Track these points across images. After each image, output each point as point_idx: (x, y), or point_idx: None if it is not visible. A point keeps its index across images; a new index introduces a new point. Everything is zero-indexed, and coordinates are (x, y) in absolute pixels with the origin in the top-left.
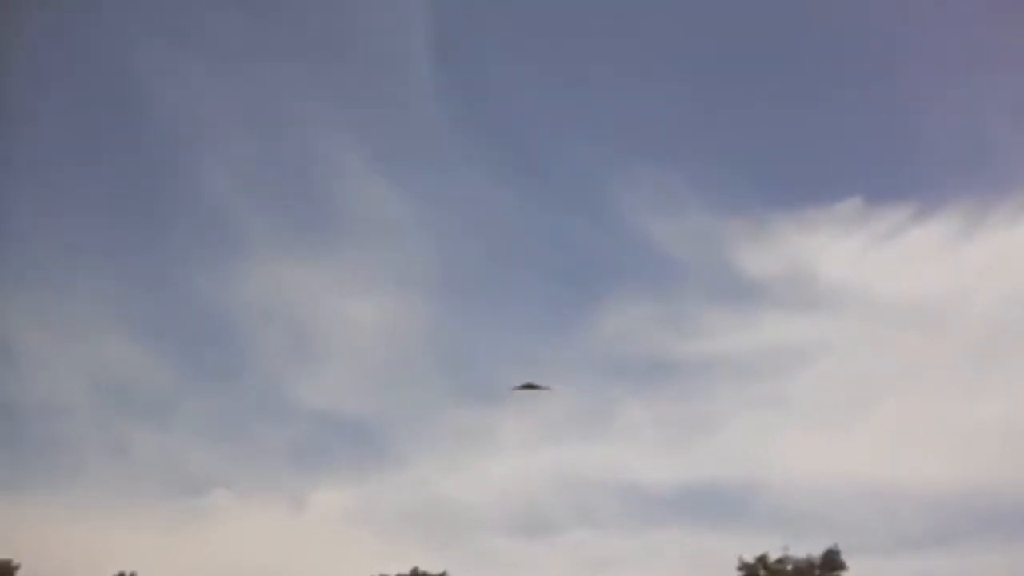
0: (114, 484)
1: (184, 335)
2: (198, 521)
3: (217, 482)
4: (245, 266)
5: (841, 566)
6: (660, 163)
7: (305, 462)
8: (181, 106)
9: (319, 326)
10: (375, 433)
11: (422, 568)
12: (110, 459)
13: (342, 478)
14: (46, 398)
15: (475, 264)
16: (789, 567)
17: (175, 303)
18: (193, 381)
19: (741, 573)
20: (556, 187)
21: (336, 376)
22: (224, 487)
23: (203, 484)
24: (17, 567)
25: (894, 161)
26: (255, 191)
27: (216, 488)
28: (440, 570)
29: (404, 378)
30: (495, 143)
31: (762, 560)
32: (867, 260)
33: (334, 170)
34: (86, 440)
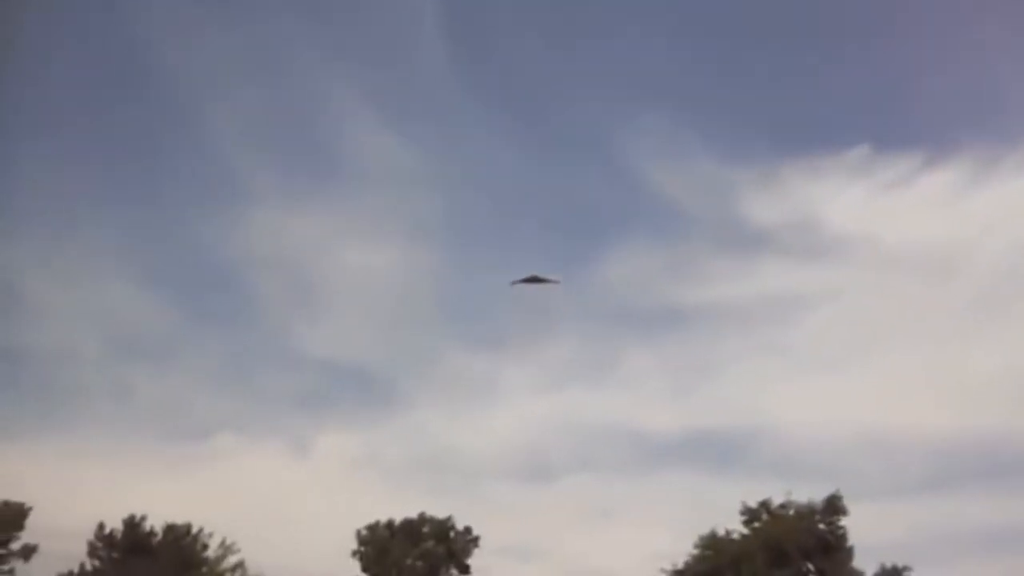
0: (120, 427)
1: (189, 282)
2: (204, 463)
3: (222, 426)
4: (250, 214)
5: (843, 511)
6: (667, 113)
7: (310, 408)
8: (186, 56)
9: (324, 274)
10: (380, 380)
11: (428, 513)
12: (116, 403)
13: (347, 424)
14: (51, 343)
15: (481, 214)
16: (791, 512)
17: (179, 251)
18: (198, 327)
19: (744, 518)
20: (563, 138)
21: (341, 324)
22: (229, 431)
23: (208, 428)
24: (30, 509)
25: (902, 109)
26: (261, 141)
27: (222, 431)
28: (445, 515)
29: (409, 326)
30: (503, 97)
31: (764, 505)
32: (874, 208)
33: (341, 122)
34: (92, 385)
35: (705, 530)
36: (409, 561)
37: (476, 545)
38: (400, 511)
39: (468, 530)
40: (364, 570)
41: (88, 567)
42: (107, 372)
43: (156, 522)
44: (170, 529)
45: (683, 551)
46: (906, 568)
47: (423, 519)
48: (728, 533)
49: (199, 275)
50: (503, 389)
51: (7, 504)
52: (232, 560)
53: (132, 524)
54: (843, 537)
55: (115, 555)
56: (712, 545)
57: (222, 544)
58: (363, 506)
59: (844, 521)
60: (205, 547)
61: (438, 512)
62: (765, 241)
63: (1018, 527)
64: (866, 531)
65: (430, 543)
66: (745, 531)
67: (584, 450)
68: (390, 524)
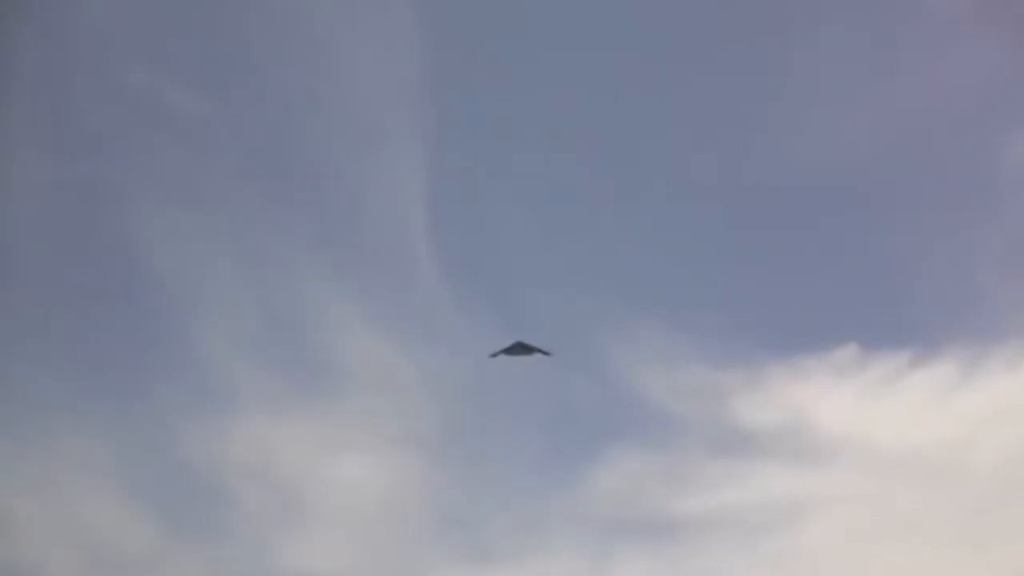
0: None
1: (169, 494)
2: None
3: None
4: (235, 424)
5: None
6: (653, 316)
7: None
8: (173, 261)
9: (310, 486)
10: None
11: None
12: None
13: None
14: (22, 556)
15: (471, 421)
16: None
17: (161, 462)
18: (177, 540)
19: None
20: (555, 341)
21: (326, 537)
22: None
23: None
24: None
25: (888, 308)
26: (248, 347)
27: None
28: None
29: (396, 539)
30: (492, 301)
31: None
32: (864, 409)
33: (330, 327)
34: None
35: None
36: None
37: None
38: None
39: None
40: None
41: None
42: None
43: None
44: None
45: None
46: None
47: None
48: None
49: (180, 487)
50: None
51: None
52: None
53: None
54: None
55: None
56: None
57: None
58: None
59: None
60: None
61: None
62: (757, 445)
63: None
64: None
65: None
66: None
67: None
68: None
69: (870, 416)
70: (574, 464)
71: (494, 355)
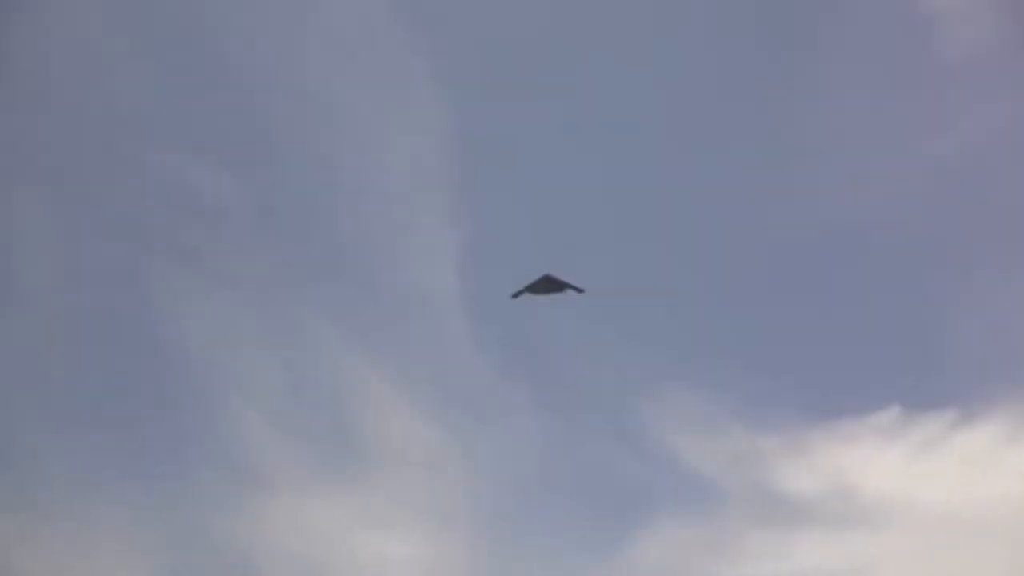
0: None
1: (202, 573)
2: None
3: None
4: (270, 502)
5: None
6: (690, 381)
7: None
8: (205, 341)
9: (346, 564)
10: None
11: None
12: None
13: None
14: None
15: (510, 495)
16: None
17: (192, 543)
18: None
19: None
20: (591, 415)
21: None
22: None
23: None
24: None
25: (930, 368)
26: (281, 425)
27: None
28: None
29: None
30: (528, 372)
31: None
32: (910, 471)
33: (364, 403)
34: None
35: None
36: None
37: None
38: None
39: None
40: None
41: None
42: None
43: None
44: None
45: None
46: None
47: None
48: None
49: (212, 564)
50: None
51: None
52: None
53: None
54: None
55: None
56: None
57: None
58: None
59: None
60: None
61: None
62: (802, 511)
63: None
64: None
65: None
66: None
67: None
68: None
69: (916, 478)
70: (614, 535)
71: (517, 295)
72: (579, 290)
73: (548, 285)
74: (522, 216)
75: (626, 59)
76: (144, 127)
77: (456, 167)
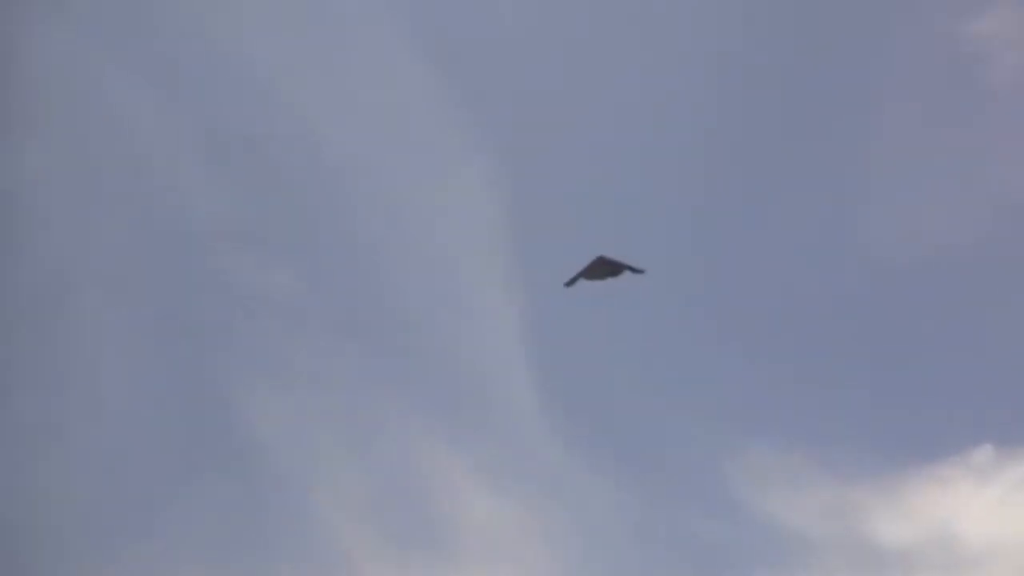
0: None
1: None
2: None
3: None
4: None
5: None
6: (770, 434)
7: None
8: (280, 436)
9: None
10: None
11: None
12: None
13: None
14: None
15: (595, 570)
16: None
17: None
18: None
19: None
20: (673, 478)
21: None
22: None
23: None
24: None
25: (1022, 402)
26: (361, 513)
27: None
28: None
29: None
30: (605, 444)
31: None
32: (1007, 513)
33: (442, 487)
34: None
35: None
36: None
37: None
38: None
39: None
40: None
41: None
42: None
43: None
44: None
45: None
46: None
47: None
48: None
49: None
50: None
51: None
52: None
53: None
54: None
55: None
56: None
57: None
58: None
59: None
60: None
61: None
62: (900, 562)
63: None
64: None
65: None
66: None
67: None
68: None
69: (1015, 520)
70: None
71: (570, 283)
72: (638, 271)
73: (603, 268)
74: (580, 281)
75: (675, 110)
76: (210, 228)
77: (513, 234)
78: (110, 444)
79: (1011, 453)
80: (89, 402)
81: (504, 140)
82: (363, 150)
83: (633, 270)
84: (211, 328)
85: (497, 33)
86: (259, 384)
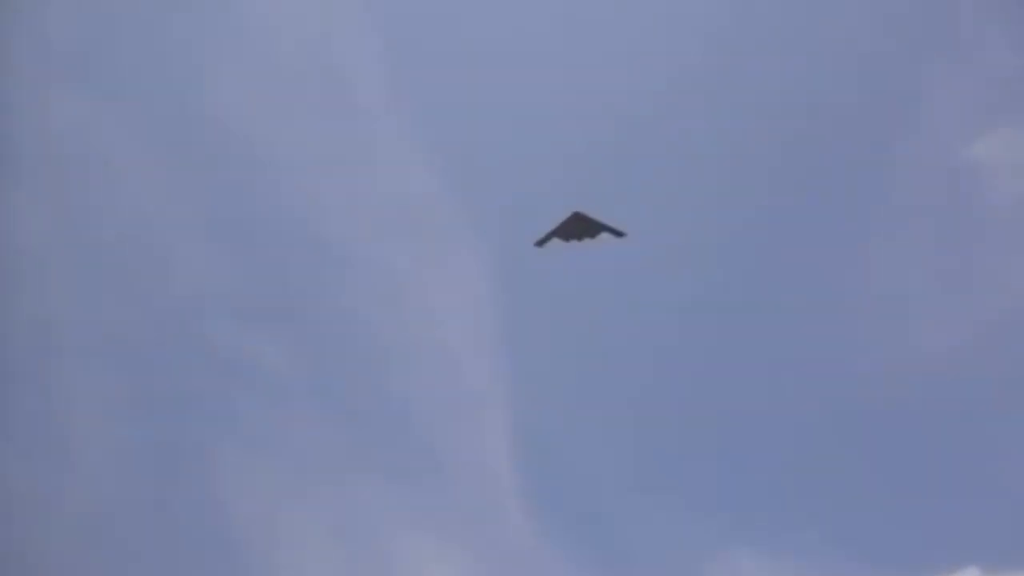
0: None
1: None
2: None
3: None
4: None
5: None
6: (761, 545)
7: None
8: (258, 511)
9: None
10: None
11: None
12: None
13: None
14: None
15: None
16: None
17: None
18: None
19: None
20: None
21: None
22: None
23: None
24: None
25: (1009, 525)
26: None
27: None
28: None
29: None
30: (588, 537)
31: None
32: None
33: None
34: None
35: None
36: None
37: None
38: None
39: None
40: None
41: None
42: None
43: None
44: None
45: None
46: None
47: None
48: None
49: None
50: None
51: None
52: None
53: None
54: None
55: None
56: None
57: None
58: None
59: None
60: None
61: None
62: None
63: None
64: None
65: None
66: None
67: None
68: None
69: None
70: None
71: (542, 242)
72: (618, 233)
73: (579, 226)
74: (573, 380)
75: (679, 229)
76: (198, 297)
77: (507, 337)
78: (84, 510)
79: None
80: (65, 468)
81: (503, 233)
82: (359, 232)
83: (613, 231)
84: (194, 398)
85: (500, 124)
86: (239, 457)
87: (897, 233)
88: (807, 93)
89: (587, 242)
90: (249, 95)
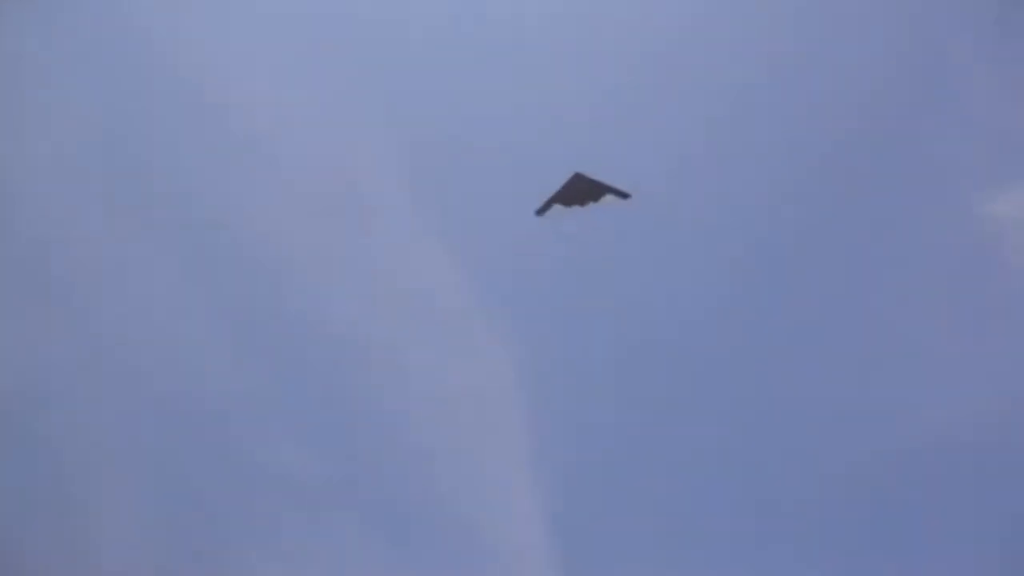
0: None
1: None
2: None
3: None
4: None
5: None
6: None
7: None
8: None
9: None
10: None
11: None
12: None
13: None
14: None
15: None
16: None
17: None
18: None
19: None
20: None
21: None
22: None
23: None
24: None
25: None
26: None
27: None
28: None
29: None
30: None
31: None
32: None
33: None
34: None
35: None
36: None
37: None
38: None
39: None
40: None
41: None
42: None
43: None
44: None
45: None
46: None
47: None
48: None
49: None
50: None
51: None
52: None
53: None
54: None
55: None
56: None
57: None
58: None
59: None
60: None
61: None
62: None
63: None
64: None
65: None
66: None
67: None
68: None
69: None
70: None
71: (543, 210)
72: (623, 194)
73: (581, 188)
74: (602, 451)
75: (690, 303)
76: (222, 401)
77: (531, 407)
78: None
79: None
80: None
81: (533, 326)
82: (383, 330)
83: (616, 193)
84: (217, 502)
85: (526, 217)
86: (264, 565)
87: (912, 290)
88: (818, 147)
89: (590, 206)
90: (268, 201)
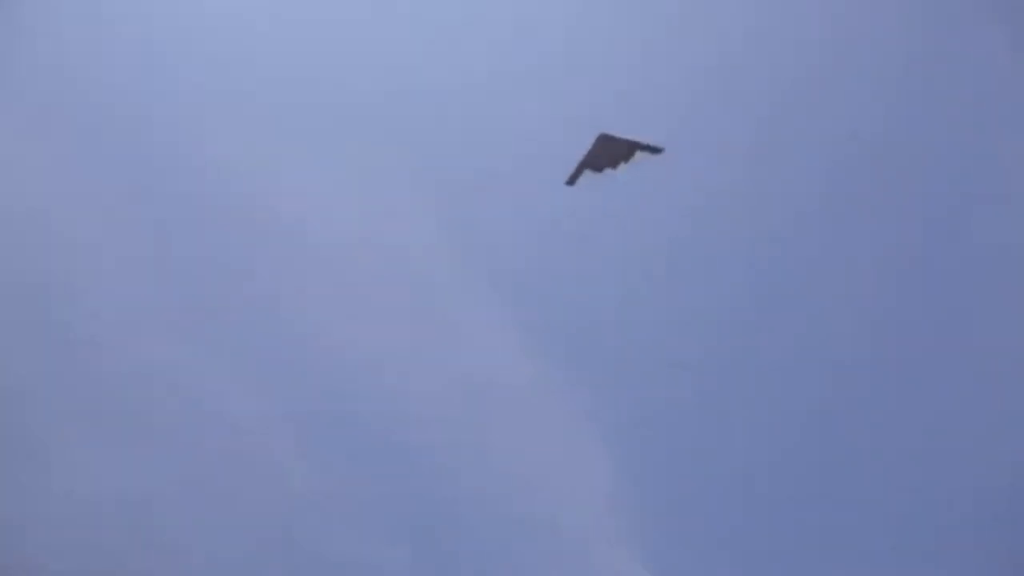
0: None
1: None
2: None
3: None
4: None
5: None
6: None
7: None
8: None
9: None
10: None
11: None
12: None
13: None
14: None
15: None
16: None
17: None
18: None
19: None
20: None
21: None
22: None
23: None
24: None
25: None
26: None
27: None
28: None
29: None
30: None
31: None
32: None
33: None
34: None
35: None
36: None
37: None
38: None
39: None
40: None
41: None
42: None
43: None
44: None
45: None
46: None
47: None
48: None
49: None
50: None
51: None
52: None
53: None
54: None
55: None
56: None
57: None
58: None
59: None
60: None
61: None
62: None
63: None
64: None
65: None
66: None
67: None
68: None
69: None
70: None
71: (573, 179)
72: (654, 149)
73: (609, 149)
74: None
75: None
76: (299, 500)
77: (628, 491)
78: None
79: None
80: None
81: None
82: (453, 425)
83: (647, 148)
84: None
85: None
86: None
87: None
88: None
89: (622, 168)
90: (325, 297)
